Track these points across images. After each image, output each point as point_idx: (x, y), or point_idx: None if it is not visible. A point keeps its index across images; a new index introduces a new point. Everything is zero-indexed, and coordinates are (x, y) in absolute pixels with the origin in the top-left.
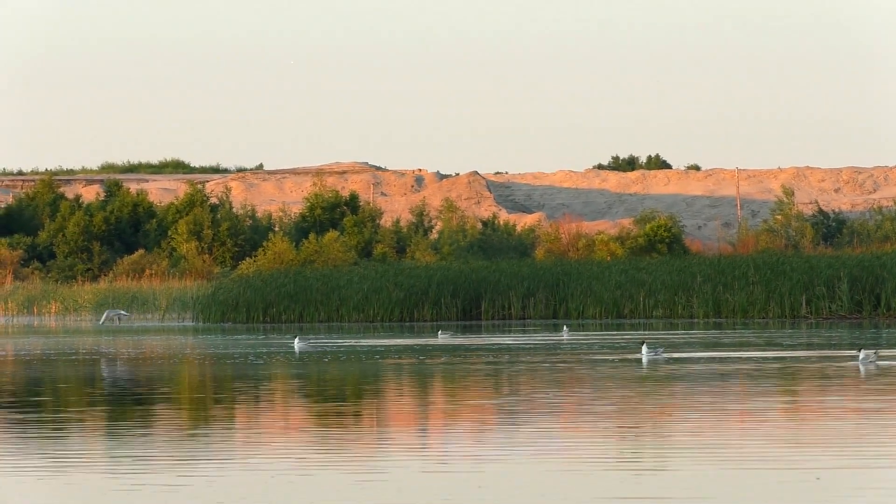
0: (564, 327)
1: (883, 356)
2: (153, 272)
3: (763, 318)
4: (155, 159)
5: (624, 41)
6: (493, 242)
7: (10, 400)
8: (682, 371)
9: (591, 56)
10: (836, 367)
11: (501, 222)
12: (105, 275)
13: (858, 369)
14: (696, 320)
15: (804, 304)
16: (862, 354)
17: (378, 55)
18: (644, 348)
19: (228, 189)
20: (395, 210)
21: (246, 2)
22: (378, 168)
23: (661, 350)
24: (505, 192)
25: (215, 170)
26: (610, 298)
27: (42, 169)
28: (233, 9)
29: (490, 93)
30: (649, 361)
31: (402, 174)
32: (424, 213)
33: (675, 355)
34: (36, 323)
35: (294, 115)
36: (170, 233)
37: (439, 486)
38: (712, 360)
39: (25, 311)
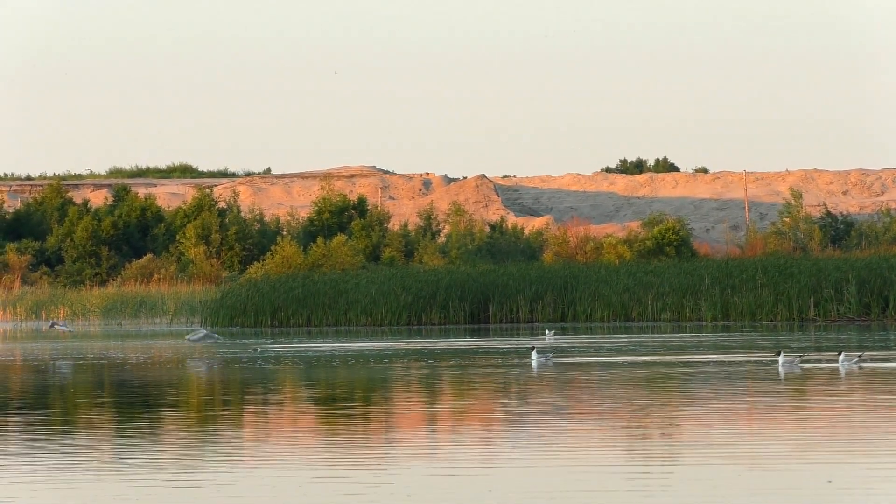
0: (547, 331)
1: (806, 360)
2: (161, 277)
3: (771, 320)
4: (163, 164)
5: (631, 44)
6: (501, 246)
7: (19, 404)
8: (555, 376)
9: (599, 59)
10: (744, 371)
11: (509, 226)
12: (113, 279)
13: (778, 372)
14: (704, 323)
15: (812, 306)
16: (782, 358)
17: (385, 59)
18: (534, 354)
19: (236, 193)
20: (403, 214)
21: (253, 6)
22: (386, 172)
23: (551, 355)
24: (513, 195)
25: (223, 174)
26: (618, 301)
27: (50, 174)
28: (240, 13)
29: (497, 96)
30: (539, 366)
31: (409, 178)
32: (432, 217)
33: (564, 360)
34: (44, 328)
35: (302, 119)
36: (178, 237)
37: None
38: (602, 365)
39: (34, 315)
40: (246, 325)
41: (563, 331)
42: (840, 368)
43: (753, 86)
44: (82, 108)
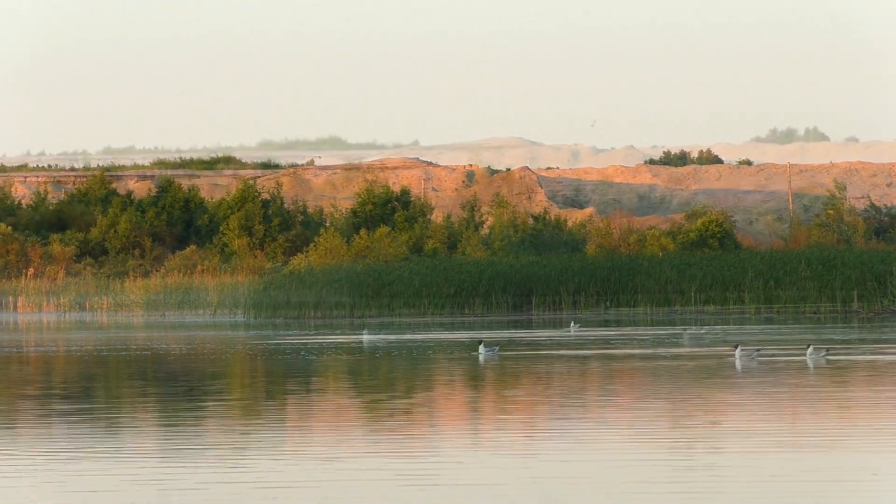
0: (572, 322)
1: (764, 353)
2: (204, 268)
3: (815, 312)
4: (206, 155)
5: (675, 37)
6: (545, 238)
7: (63, 394)
8: (493, 368)
9: (643, 52)
10: (685, 364)
11: (552, 217)
12: (157, 270)
13: (734, 366)
14: (747, 315)
15: (856, 298)
16: (738, 352)
17: (432, 50)
18: (481, 348)
19: (280, 185)
20: (446, 205)
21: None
22: (429, 163)
23: (497, 349)
24: (556, 187)
25: (266, 165)
26: (661, 293)
27: (94, 165)
28: (297, 4)
29: (541, 89)
30: (485, 359)
31: (452, 169)
32: (475, 209)
33: (509, 353)
34: (88, 318)
35: (343, 111)
36: (221, 228)
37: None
38: (540, 357)
39: (77, 306)
40: (289, 316)
41: (606, 323)
42: (808, 362)
43: (798, 79)
44: (126, 100)
